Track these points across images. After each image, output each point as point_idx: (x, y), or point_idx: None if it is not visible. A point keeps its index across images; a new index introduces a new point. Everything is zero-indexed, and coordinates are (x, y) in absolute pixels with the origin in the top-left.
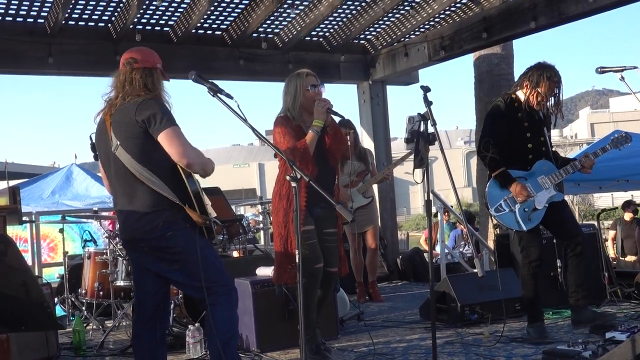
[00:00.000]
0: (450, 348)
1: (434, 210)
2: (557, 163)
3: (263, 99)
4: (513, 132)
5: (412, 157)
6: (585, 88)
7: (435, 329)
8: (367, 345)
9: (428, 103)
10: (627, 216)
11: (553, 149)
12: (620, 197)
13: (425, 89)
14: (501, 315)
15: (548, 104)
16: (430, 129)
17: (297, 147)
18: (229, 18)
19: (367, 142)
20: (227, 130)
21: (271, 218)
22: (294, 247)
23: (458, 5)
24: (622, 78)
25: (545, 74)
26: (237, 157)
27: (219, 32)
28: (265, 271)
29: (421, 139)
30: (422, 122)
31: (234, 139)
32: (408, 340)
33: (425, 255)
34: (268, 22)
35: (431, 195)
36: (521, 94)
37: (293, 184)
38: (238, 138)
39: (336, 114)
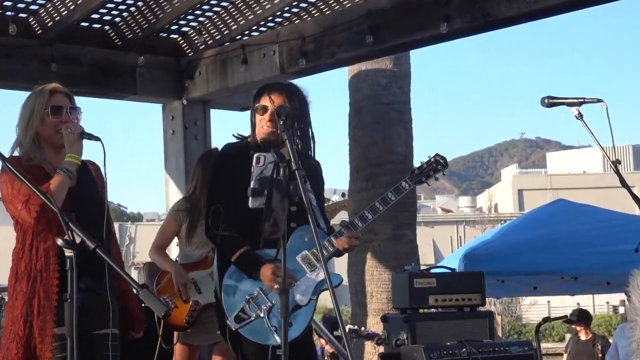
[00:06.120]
0: None
1: None
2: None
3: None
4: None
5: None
6: (512, 135)
7: None
8: None
9: (290, 133)
10: (582, 333)
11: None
12: (560, 307)
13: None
14: None
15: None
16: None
17: (34, 199)
18: None
19: (175, 196)
20: None
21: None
22: (43, 355)
23: None
24: (580, 115)
25: (259, 94)
26: None
27: None
28: None
29: (275, 192)
30: (278, 165)
31: None
32: None
33: None
34: None
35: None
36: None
37: (68, 253)
38: None
39: (92, 137)
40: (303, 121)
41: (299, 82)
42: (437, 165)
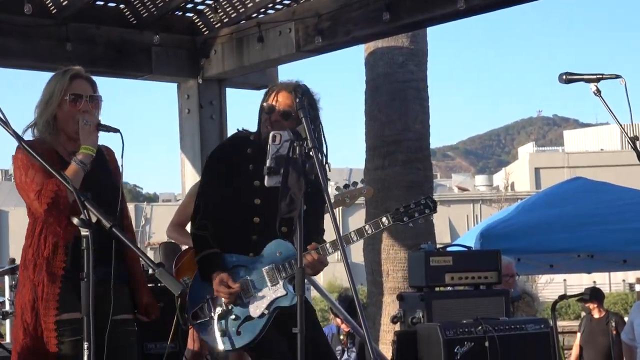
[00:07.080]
0: None
1: None
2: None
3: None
4: (236, 188)
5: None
6: (529, 113)
7: None
8: None
9: (307, 111)
10: (595, 311)
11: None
12: (576, 285)
13: (302, 89)
14: None
15: (304, 117)
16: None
17: (46, 191)
18: None
19: (191, 176)
20: None
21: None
22: (50, 343)
23: None
24: (598, 91)
25: (268, 93)
26: None
27: None
28: None
29: (291, 170)
30: (294, 144)
31: None
32: None
33: None
34: None
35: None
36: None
37: (84, 232)
38: None
39: (110, 129)
40: (314, 123)
41: (315, 59)
42: (424, 208)
